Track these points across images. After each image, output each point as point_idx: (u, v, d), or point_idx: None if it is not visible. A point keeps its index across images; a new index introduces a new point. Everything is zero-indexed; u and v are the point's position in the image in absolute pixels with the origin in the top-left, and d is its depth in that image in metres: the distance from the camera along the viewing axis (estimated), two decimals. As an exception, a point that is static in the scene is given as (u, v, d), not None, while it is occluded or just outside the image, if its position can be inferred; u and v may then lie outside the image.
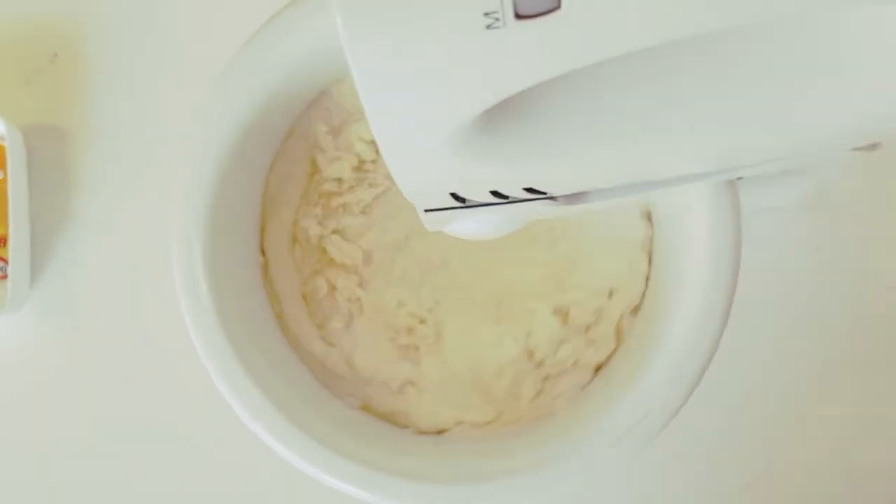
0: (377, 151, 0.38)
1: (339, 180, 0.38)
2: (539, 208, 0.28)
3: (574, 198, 0.27)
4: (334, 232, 0.38)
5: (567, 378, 0.36)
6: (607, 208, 0.33)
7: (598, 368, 0.36)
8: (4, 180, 0.40)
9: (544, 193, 0.26)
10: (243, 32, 0.34)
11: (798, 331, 0.40)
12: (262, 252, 0.38)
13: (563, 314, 0.37)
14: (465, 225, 0.29)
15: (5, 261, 0.40)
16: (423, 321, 0.38)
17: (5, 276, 0.40)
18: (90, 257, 0.42)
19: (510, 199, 0.26)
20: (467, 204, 0.26)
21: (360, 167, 0.38)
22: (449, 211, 0.27)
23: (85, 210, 0.42)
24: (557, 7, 0.16)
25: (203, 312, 0.33)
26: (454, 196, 0.25)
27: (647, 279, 0.36)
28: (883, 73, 0.19)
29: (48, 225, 0.42)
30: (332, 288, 0.38)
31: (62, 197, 0.42)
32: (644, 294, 0.36)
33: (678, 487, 0.40)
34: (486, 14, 0.16)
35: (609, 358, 0.36)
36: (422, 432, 0.36)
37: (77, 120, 0.42)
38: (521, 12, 0.16)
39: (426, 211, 0.27)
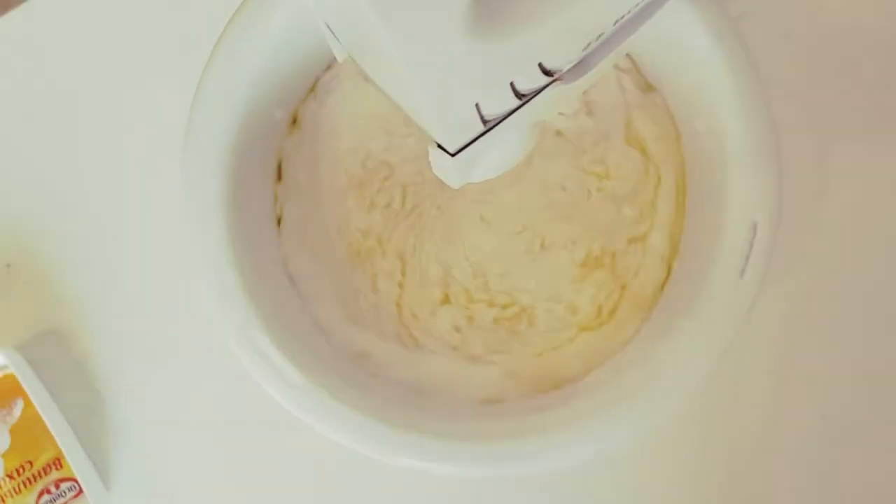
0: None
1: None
2: (551, 103, 0.27)
3: (577, 70, 0.27)
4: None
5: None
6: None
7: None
8: (30, 404, 0.38)
9: (552, 74, 0.25)
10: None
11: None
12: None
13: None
14: (490, 158, 0.28)
15: (73, 479, 0.37)
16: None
17: (80, 492, 0.37)
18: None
19: (527, 98, 0.25)
20: (489, 125, 0.25)
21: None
22: (475, 145, 0.26)
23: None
24: None
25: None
26: (479, 115, 0.24)
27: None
28: None
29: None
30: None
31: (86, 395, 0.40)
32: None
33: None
34: None
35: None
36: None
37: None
38: None
39: (454, 154, 0.26)
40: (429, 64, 0.20)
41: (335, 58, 0.27)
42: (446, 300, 0.37)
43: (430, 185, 0.38)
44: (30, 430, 0.37)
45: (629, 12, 0.25)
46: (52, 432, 0.37)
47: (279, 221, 0.38)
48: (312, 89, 0.38)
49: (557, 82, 0.26)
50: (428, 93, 0.21)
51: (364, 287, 0.37)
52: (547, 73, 0.25)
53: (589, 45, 0.25)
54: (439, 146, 0.26)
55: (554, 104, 0.27)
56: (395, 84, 0.23)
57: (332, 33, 0.24)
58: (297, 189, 0.38)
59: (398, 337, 0.37)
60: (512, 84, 0.23)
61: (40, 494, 0.37)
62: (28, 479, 0.37)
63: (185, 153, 0.33)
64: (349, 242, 0.38)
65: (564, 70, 0.26)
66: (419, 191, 0.38)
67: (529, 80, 0.24)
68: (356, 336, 0.37)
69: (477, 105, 0.23)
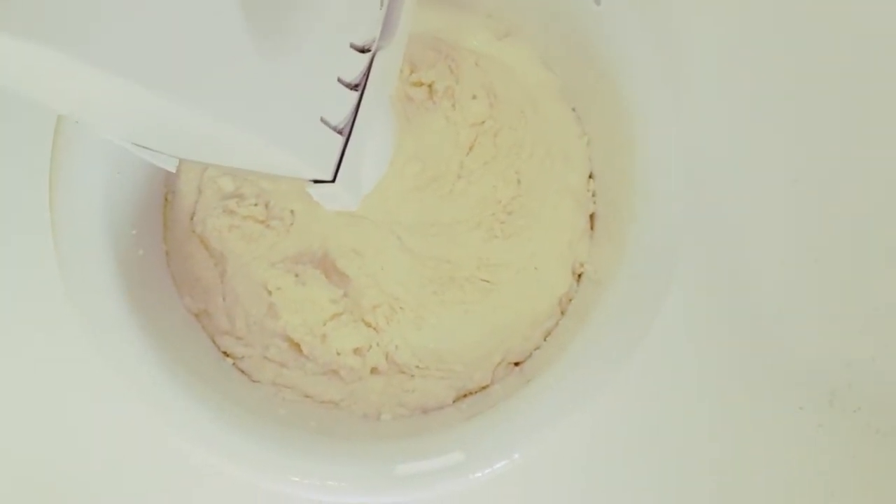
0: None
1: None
2: (385, 73, 0.25)
3: (387, 28, 0.25)
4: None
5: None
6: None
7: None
8: None
9: (368, 48, 0.24)
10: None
11: None
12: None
13: None
14: (369, 159, 0.26)
15: None
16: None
17: None
18: None
19: (361, 85, 0.24)
20: (346, 131, 0.24)
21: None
22: (346, 158, 0.24)
23: None
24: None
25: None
26: (329, 128, 0.22)
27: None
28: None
29: None
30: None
31: None
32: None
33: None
34: None
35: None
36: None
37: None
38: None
39: (334, 179, 0.24)
40: (260, 120, 0.18)
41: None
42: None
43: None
44: None
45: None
46: None
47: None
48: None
49: (378, 52, 0.24)
50: (275, 141, 0.19)
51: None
52: (363, 50, 0.23)
53: (382, 0, 0.24)
54: (316, 181, 0.24)
55: (388, 73, 0.26)
56: (241, 157, 0.21)
57: (153, 151, 0.22)
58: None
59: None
60: (339, 79, 0.22)
61: None
62: None
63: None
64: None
65: (377, 37, 0.24)
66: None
67: (351, 66, 0.23)
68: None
69: (322, 119, 0.21)
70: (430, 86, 0.36)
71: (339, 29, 0.21)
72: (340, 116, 0.23)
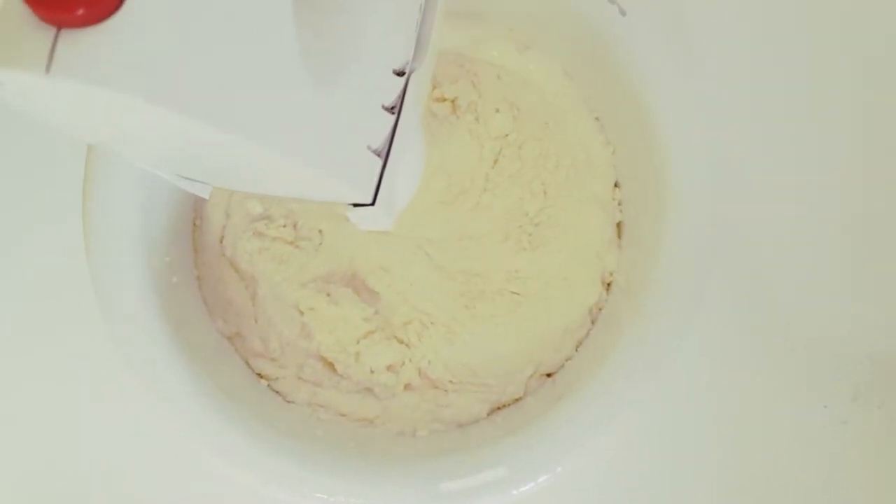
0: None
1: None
2: (418, 95, 0.25)
3: (419, 49, 0.25)
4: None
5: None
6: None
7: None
8: None
9: (404, 72, 0.24)
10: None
11: None
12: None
13: None
14: (402, 179, 0.27)
15: None
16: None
17: None
18: None
19: (398, 108, 0.24)
20: (384, 154, 0.24)
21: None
22: (385, 180, 0.24)
23: None
24: None
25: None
26: (371, 151, 0.22)
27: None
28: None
29: None
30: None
31: None
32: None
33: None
34: None
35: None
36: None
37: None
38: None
39: (373, 202, 0.24)
40: (317, 151, 0.18)
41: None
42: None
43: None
44: None
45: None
46: None
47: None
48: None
49: (413, 73, 0.25)
50: (329, 171, 0.19)
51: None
52: (400, 73, 0.23)
53: (417, 21, 0.24)
54: (356, 205, 0.24)
55: (421, 93, 0.26)
56: (288, 187, 0.21)
57: (191, 180, 0.22)
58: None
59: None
60: (382, 105, 0.22)
61: None
62: None
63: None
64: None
65: (411, 58, 0.24)
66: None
67: (391, 90, 0.23)
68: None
69: (367, 146, 0.22)
70: (453, 101, 0.36)
71: (382, 54, 0.21)
72: (380, 140, 0.23)
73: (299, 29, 0.15)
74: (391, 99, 0.23)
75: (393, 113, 0.24)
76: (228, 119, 0.14)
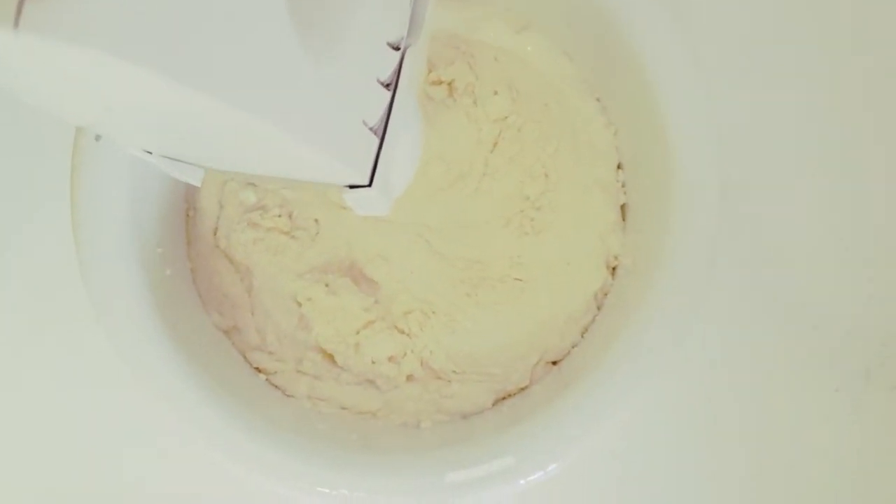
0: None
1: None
2: (414, 71, 0.24)
3: (414, 24, 0.24)
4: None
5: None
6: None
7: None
8: None
9: (399, 46, 0.23)
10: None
11: None
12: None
13: None
14: (400, 160, 0.26)
15: None
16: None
17: None
18: None
19: (394, 84, 0.23)
20: (380, 131, 0.23)
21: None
22: (381, 160, 0.23)
23: None
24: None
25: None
26: (367, 128, 0.21)
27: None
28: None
29: None
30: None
31: None
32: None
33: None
34: None
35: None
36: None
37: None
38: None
39: (370, 183, 0.23)
40: (311, 126, 0.17)
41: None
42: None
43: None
44: None
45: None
46: None
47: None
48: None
49: (408, 49, 0.24)
50: (323, 147, 0.18)
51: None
52: (396, 48, 0.22)
53: (410, -6, 0.23)
54: (352, 187, 0.23)
55: (417, 70, 0.25)
56: (281, 165, 0.20)
57: (181, 163, 0.21)
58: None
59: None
60: (377, 79, 0.21)
61: None
62: None
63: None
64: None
65: (406, 34, 0.23)
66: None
67: (386, 65, 0.22)
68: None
69: (363, 121, 0.21)
70: (449, 84, 0.35)
71: (377, 27, 0.20)
72: (377, 117, 0.22)
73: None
74: (387, 74, 0.22)
75: (389, 89, 0.23)
76: (210, 83, 0.13)
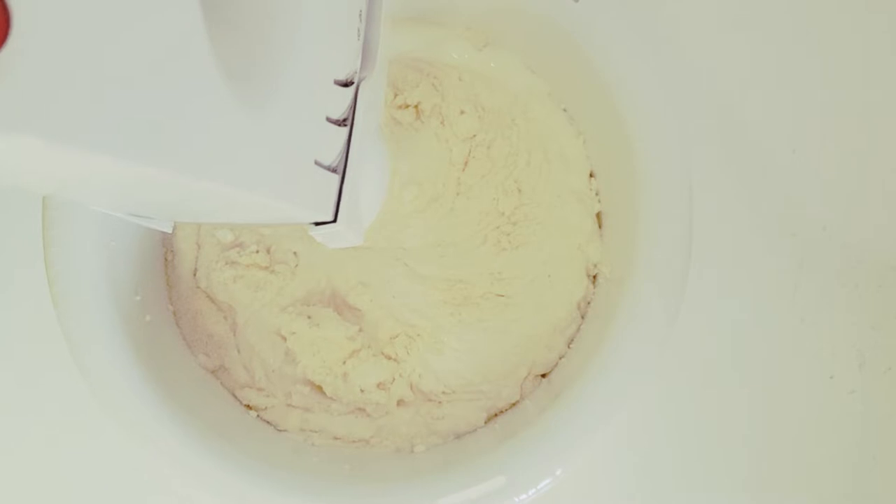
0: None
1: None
2: (372, 103, 0.25)
3: (367, 56, 0.24)
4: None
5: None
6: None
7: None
8: None
9: (351, 82, 0.23)
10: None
11: None
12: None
13: None
14: (366, 190, 0.26)
15: None
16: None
17: None
18: None
19: (349, 119, 0.23)
20: (340, 168, 0.23)
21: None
22: (345, 195, 0.23)
23: None
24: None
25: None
26: (324, 168, 0.21)
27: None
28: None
29: None
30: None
31: None
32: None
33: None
34: None
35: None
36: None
37: None
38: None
39: (335, 219, 0.23)
40: (255, 175, 0.17)
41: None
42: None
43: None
44: None
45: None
46: None
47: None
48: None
49: (362, 83, 0.24)
50: (273, 194, 0.18)
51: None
52: (346, 84, 0.23)
53: (359, 30, 0.23)
54: (318, 223, 0.23)
55: (374, 102, 0.25)
56: (239, 214, 0.20)
57: (148, 218, 0.22)
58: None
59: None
60: (327, 118, 0.21)
61: None
62: None
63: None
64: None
65: (358, 68, 0.24)
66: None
67: (337, 102, 0.22)
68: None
69: (316, 161, 0.21)
70: (416, 107, 0.35)
71: (320, 67, 0.20)
72: (333, 155, 0.22)
73: (215, 48, 0.15)
74: (340, 111, 0.22)
75: (344, 125, 0.23)
76: (143, 153, 0.13)
